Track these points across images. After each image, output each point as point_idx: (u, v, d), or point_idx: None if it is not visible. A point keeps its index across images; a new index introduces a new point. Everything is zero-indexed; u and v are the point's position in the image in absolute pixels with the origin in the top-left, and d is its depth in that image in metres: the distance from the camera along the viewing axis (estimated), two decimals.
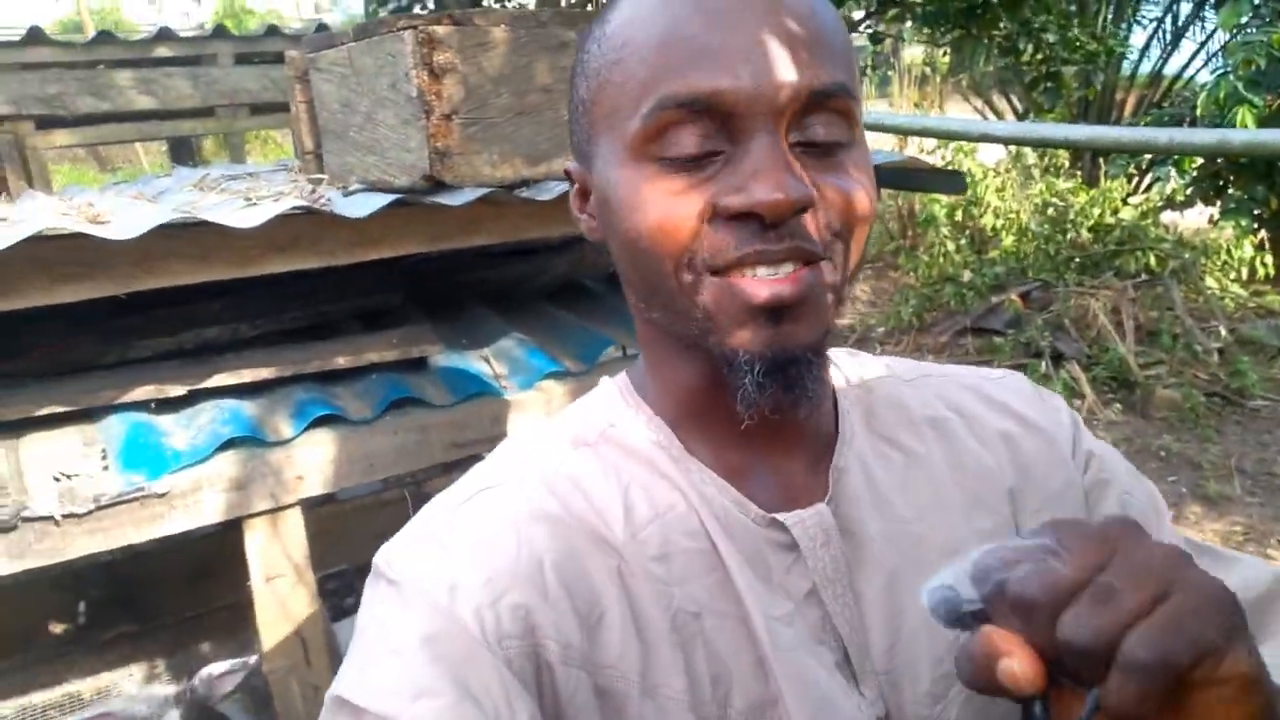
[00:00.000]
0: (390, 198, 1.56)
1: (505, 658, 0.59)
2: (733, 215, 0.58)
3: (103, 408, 1.80)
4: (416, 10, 5.31)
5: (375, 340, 1.99)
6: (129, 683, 2.92)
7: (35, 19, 5.20)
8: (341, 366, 1.89)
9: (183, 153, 6.23)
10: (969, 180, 7.52)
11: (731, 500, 0.68)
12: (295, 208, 1.51)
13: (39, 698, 2.86)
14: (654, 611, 0.64)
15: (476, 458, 1.97)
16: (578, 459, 0.70)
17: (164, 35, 5.05)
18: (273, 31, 5.47)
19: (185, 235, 1.47)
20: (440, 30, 1.59)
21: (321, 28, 5.37)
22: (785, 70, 0.58)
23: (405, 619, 0.60)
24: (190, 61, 5.07)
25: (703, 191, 0.59)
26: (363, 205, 1.54)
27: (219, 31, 5.19)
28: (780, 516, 0.67)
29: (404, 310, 2.35)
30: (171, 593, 3.00)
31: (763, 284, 0.59)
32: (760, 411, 0.62)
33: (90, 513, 1.60)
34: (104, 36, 4.98)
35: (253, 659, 1.96)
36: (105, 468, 1.69)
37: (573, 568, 0.63)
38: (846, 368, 0.79)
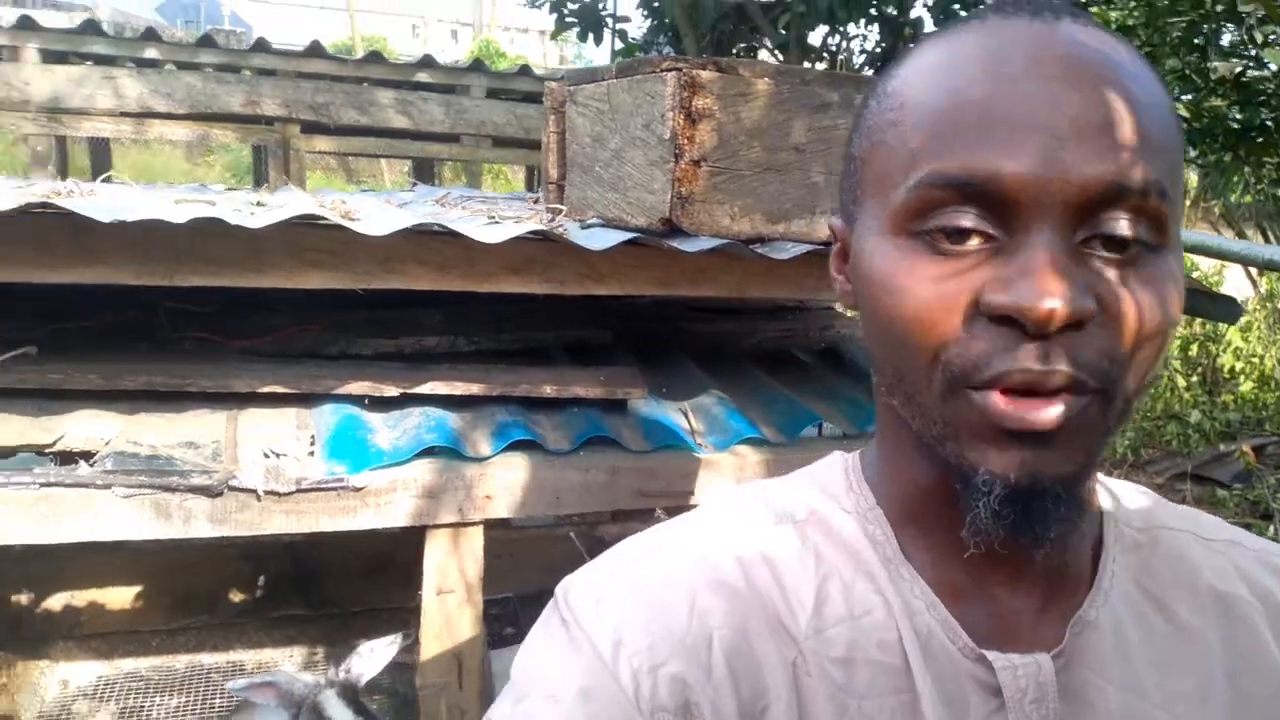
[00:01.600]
0: (626, 235, 1.55)
1: None
2: (995, 316, 0.50)
3: (320, 395, 1.86)
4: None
5: (582, 375, 1.98)
6: (289, 662, 3.02)
7: (316, 35, 5.66)
8: (547, 395, 1.89)
9: (424, 174, 6.61)
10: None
11: (940, 620, 0.60)
12: (534, 232, 1.52)
13: (208, 659, 3.01)
14: (825, 716, 0.58)
15: (653, 511, 1.92)
16: (778, 535, 0.63)
17: (426, 63, 5.38)
18: (524, 71, 5.74)
19: (429, 242, 1.50)
20: (704, 75, 1.58)
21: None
22: (1084, 157, 0.50)
23: (568, 664, 0.58)
24: (446, 90, 5.38)
25: (968, 282, 0.52)
26: (599, 239, 1.53)
27: (475, 65, 5.49)
28: (991, 655, 0.58)
29: (611, 349, 2.35)
30: (344, 585, 3.10)
31: (1022, 406, 0.51)
32: (988, 542, 0.55)
33: (290, 494, 1.65)
34: (373, 57, 5.36)
35: (401, 638, 1.95)
36: (311, 453, 1.75)
37: (745, 649, 0.58)
38: (1130, 504, 0.67)
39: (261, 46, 5.09)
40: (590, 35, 7.12)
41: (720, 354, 2.42)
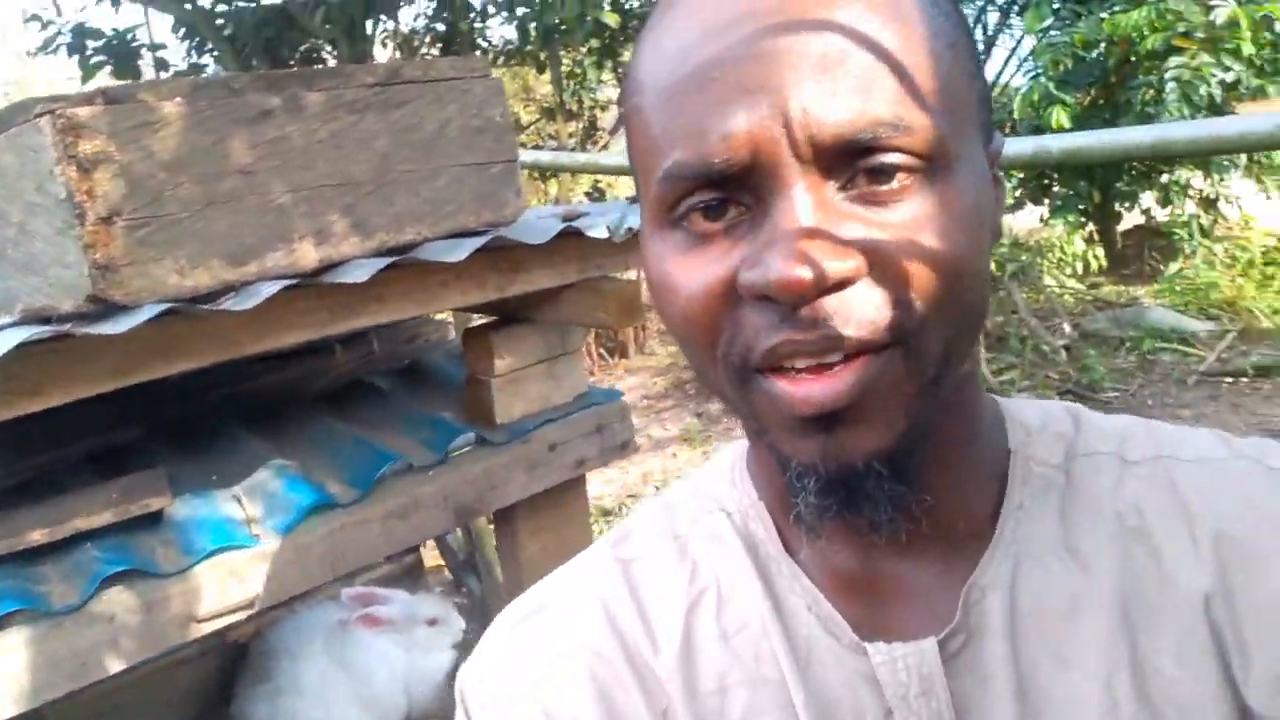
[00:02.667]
0: (35, 331, 1.20)
1: None
2: (754, 295, 0.47)
3: None
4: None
5: (86, 499, 1.60)
6: None
7: None
8: (38, 542, 1.50)
9: None
10: None
11: (823, 618, 0.58)
12: None
13: None
14: None
15: (216, 636, 1.59)
16: (654, 559, 0.64)
17: None
18: None
19: None
20: (84, 113, 1.25)
21: None
22: (813, 108, 0.46)
23: None
24: None
25: (725, 265, 0.49)
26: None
27: None
28: (871, 648, 0.56)
29: (145, 445, 1.96)
30: None
31: (806, 386, 0.47)
32: (823, 532, 0.54)
33: None
34: None
35: None
36: None
37: (611, 712, 0.60)
38: (1048, 436, 0.61)
39: None
40: (127, 72, 6.35)
41: (284, 407, 2.10)
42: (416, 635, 2.62)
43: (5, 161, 1.37)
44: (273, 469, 1.75)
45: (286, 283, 1.34)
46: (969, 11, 8.60)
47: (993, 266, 6.62)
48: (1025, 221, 8.39)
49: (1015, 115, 6.79)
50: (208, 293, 1.34)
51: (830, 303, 0.47)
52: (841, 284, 0.47)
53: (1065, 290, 7.32)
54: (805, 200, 0.47)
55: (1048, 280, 7.17)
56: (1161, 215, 8.06)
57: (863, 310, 0.47)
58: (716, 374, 0.52)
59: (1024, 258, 6.98)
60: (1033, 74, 6.98)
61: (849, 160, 0.47)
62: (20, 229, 1.39)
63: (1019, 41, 8.67)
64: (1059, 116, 6.23)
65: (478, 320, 2.02)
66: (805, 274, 0.45)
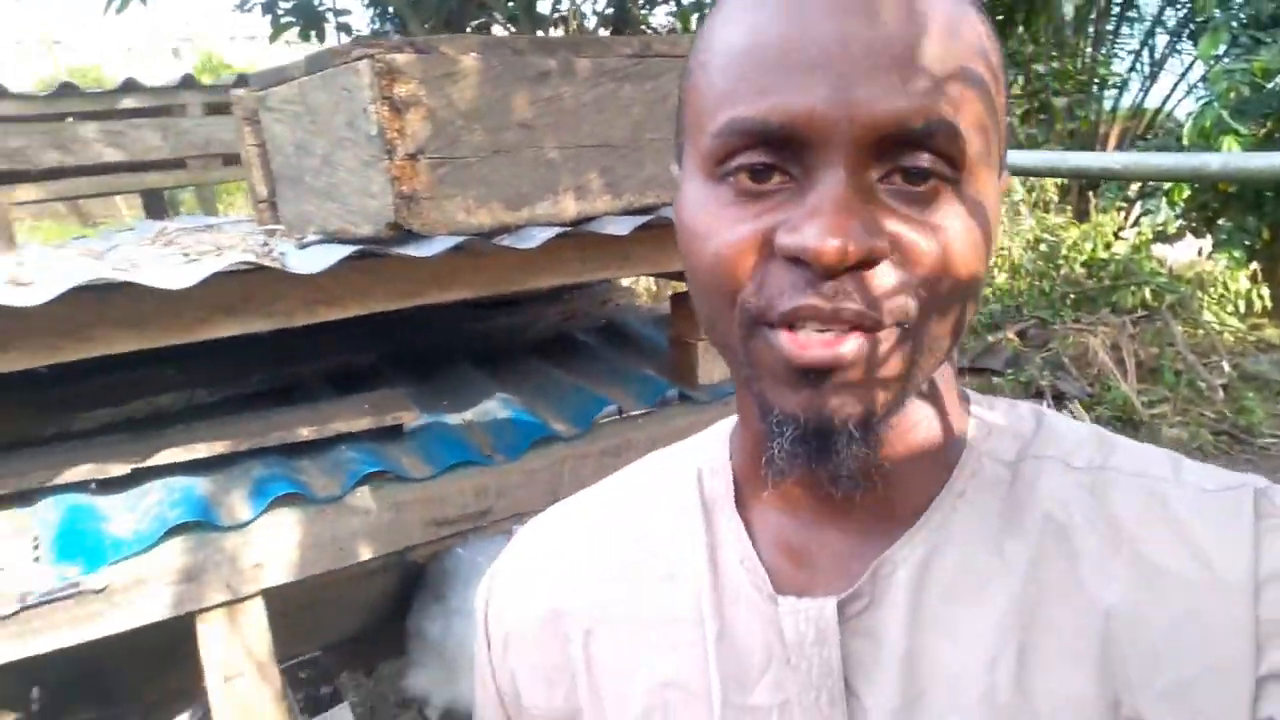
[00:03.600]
0: (350, 249, 1.38)
1: (519, 707, 0.72)
2: (787, 257, 0.50)
3: (36, 490, 1.60)
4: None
5: (343, 407, 1.79)
6: None
7: (9, 77, 5.03)
8: (305, 438, 1.70)
9: (156, 206, 6.05)
10: None
11: (750, 570, 0.63)
12: (238, 264, 1.32)
13: None
14: (614, 680, 0.67)
15: (457, 536, 1.77)
16: (627, 504, 0.72)
17: (130, 86, 4.87)
18: (243, 81, 5.32)
19: (116, 299, 1.28)
20: (401, 59, 1.42)
21: None
22: (872, 95, 0.49)
23: (477, 657, 0.76)
24: (160, 112, 4.90)
25: (764, 223, 0.52)
26: (318, 259, 1.35)
27: (187, 81, 5.02)
28: (782, 601, 0.60)
29: (381, 371, 2.16)
30: (135, 677, 2.78)
31: (806, 344, 0.51)
32: (799, 483, 0.60)
33: (15, 614, 1.40)
34: (67, 89, 4.81)
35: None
36: (36, 559, 1.49)
37: (552, 630, 0.69)
38: (1008, 434, 0.63)
39: None
40: (313, 33, 6.71)
41: (501, 350, 2.28)
42: None
43: (317, 99, 1.56)
44: (499, 401, 1.92)
45: (559, 229, 1.49)
46: (1134, 34, 8.34)
47: (1148, 296, 6.42)
48: (1185, 253, 8.10)
49: (1184, 142, 6.58)
50: (488, 232, 1.50)
51: (852, 279, 0.50)
52: (867, 263, 0.50)
53: (1225, 328, 7.05)
54: (850, 180, 0.50)
55: (1207, 316, 6.92)
56: None
57: (878, 292, 0.51)
58: (727, 320, 0.55)
59: (1183, 289, 6.76)
60: (1205, 100, 6.74)
61: (894, 153, 0.50)
62: (324, 160, 1.57)
63: (1189, 67, 8.37)
64: (1230, 147, 6.01)
65: (684, 287, 2.15)
66: (841, 244, 0.48)
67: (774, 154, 0.52)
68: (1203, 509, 0.58)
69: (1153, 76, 8.47)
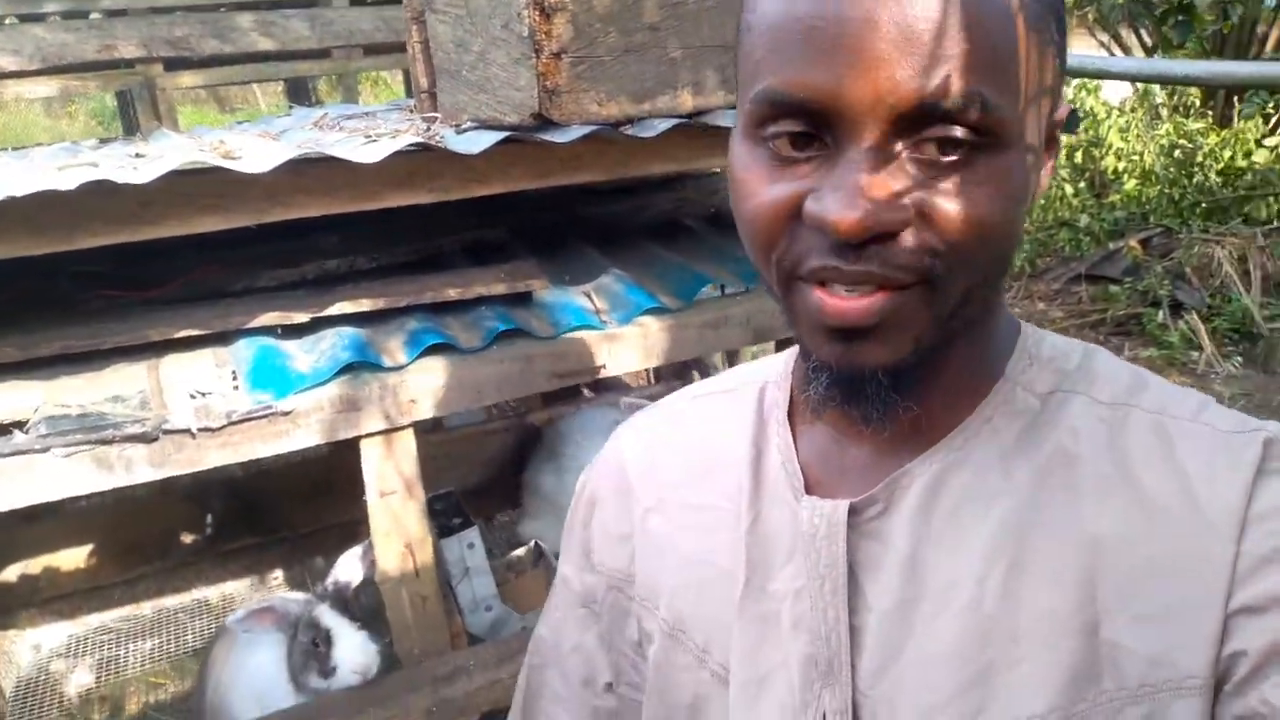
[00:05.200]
0: (501, 135, 1.62)
1: (589, 563, 0.85)
2: (812, 224, 0.55)
3: (233, 332, 1.93)
4: None
5: (484, 274, 2.07)
6: (249, 591, 3.15)
7: None
8: (452, 298, 1.98)
9: (299, 93, 6.43)
10: (1088, 119, 7.23)
11: (789, 472, 0.70)
12: (411, 145, 1.58)
13: (171, 601, 3.11)
14: (662, 547, 0.78)
15: (575, 387, 2.04)
16: (701, 404, 0.83)
17: None
18: None
19: (311, 170, 1.56)
20: None
21: None
22: (898, 71, 0.51)
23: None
24: (308, 3, 5.21)
25: (795, 189, 0.56)
26: (475, 142, 1.60)
27: None
28: (805, 499, 0.67)
29: (510, 246, 2.43)
30: (289, 510, 3.20)
31: (838, 303, 0.55)
32: (824, 413, 0.68)
33: (223, 428, 1.73)
34: None
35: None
36: (235, 387, 1.82)
37: (624, 503, 0.82)
38: (1047, 369, 0.66)
39: None
40: None
41: (616, 233, 2.52)
42: None
43: (477, 3, 1.78)
44: (613, 276, 2.16)
45: (675, 120, 1.71)
46: None
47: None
48: None
49: None
50: (615, 122, 1.72)
51: (874, 245, 0.53)
52: (888, 233, 0.53)
53: None
54: (873, 154, 0.53)
55: None
56: None
57: (901, 256, 0.54)
58: (768, 272, 0.60)
59: None
60: None
61: (919, 127, 0.52)
62: (480, 56, 1.81)
63: None
64: None
65: None
66: (857, 219, 0.52)
67: (809, 123, 0.54)
68: (1206, 448, 0.60)
69: None
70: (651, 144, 1.72)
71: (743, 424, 0.76)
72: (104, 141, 2.93)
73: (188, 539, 3.18)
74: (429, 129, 1.77)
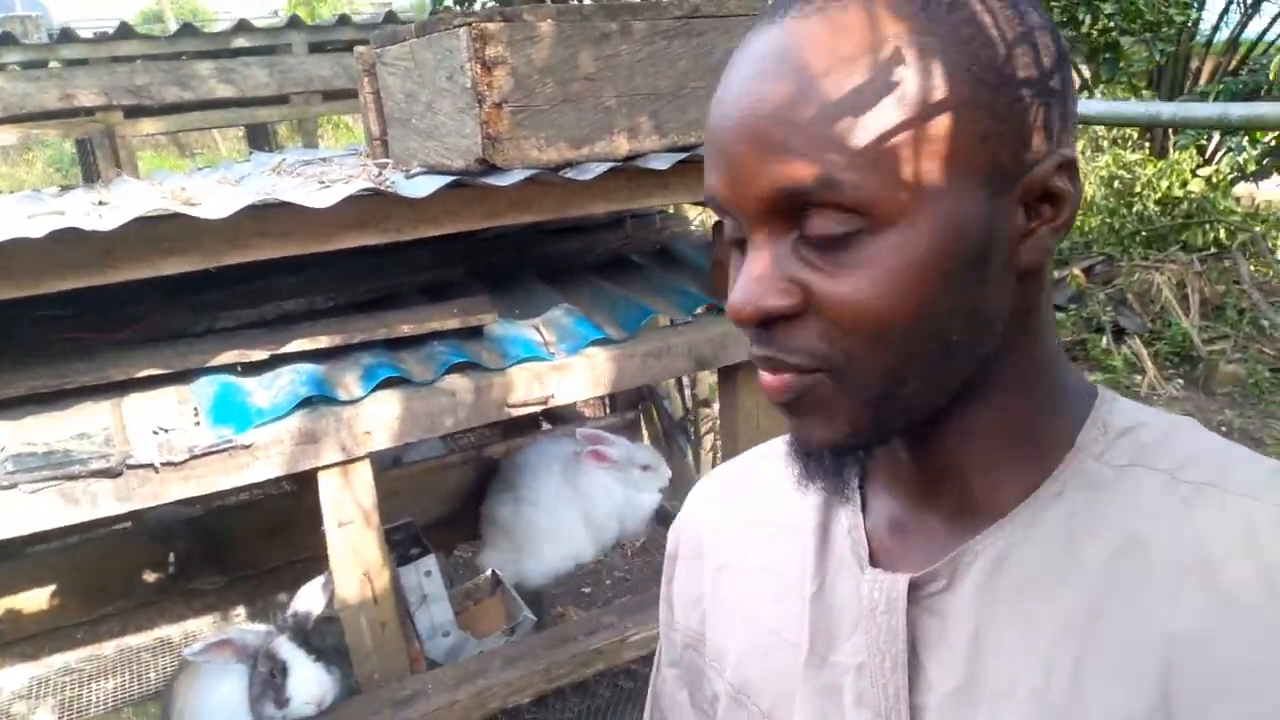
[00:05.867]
0: (447, 179, 1.73)
1: (673, 621, 0.86)
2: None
3: (194, 370, 2.01)
4: (476, 6, 5.50)
5: (437, 310, 2.17)
6: (212, 628, 3.18)
7: (120, 13, 5.49)
8: (406, 334, 2.08)
9: (259, 138, 6.53)
10: None
11: (854, 540, 0.68)
12: (363, 190, 1.69)
13: (135, 641, 3.14)
14: (730, 609, 0.77)
15: (533, 419, 2.14)
16: (768, 465, 0.80)
17: (242, 27, 5.32)
18: (344, 21, 5.71)
19: (268, 215, 1.65)
20: (491, 26, 1.75)
21: (390, 16, 5.59)
22: (757, 167, 0.53)
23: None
24: (266, 51, 5.33)
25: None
26: (423, 186, 1.71)
27: (293, 22, 5.44)
28: (869, 571, 0.65)
29: (464, 284, 2.54)
30: (251, 548, 3.25)
31: (763, 379, 0.59)
32: (905, 476, 0.66)
33: (185, 461, 1.81)
34: (187, 29, 5.27)
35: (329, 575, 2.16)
36: (197, 423, 1.90)
37: (698, 563, 0.82)
38: (1128, 440, 0.61)
39: (68, 36, 4.95)
40: None
41: (566, 270, 2.64)
42: (633, 475, 3.11)
43: (424, 57, 1.90)
44: (562, 310, 2.27)
45: (611, 164, 1.82)
46: None
47: (1221, 235, 6.40)
48: (1268, 192, 8.01)
49: (1271, 77, 6.53)
50: (555, 166, 1.84)
51: (778, 329, 0.56)
52: (787, 317, 0.55)
53: None
54: (760, 245, 0.55)
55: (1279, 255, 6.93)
56: None
57: (795, 341, 0.55)
58: None
59: (1257, 229, 6.76)
60: None
61: (790, 216, 0.54)
62: (427, 106, 1.92)
63: None
64: None
65: None
66: (747, 309, 0.55)
67: (731, 224, 0.58)
68: None
69: (1254, 8, 8.30)
70: (590, 186, 1.84)
71: (808, 494, 0.73)
72: (65, 189, 3.00)
73: (151, 578, 3.21)
74: (380, 174, 1.88)
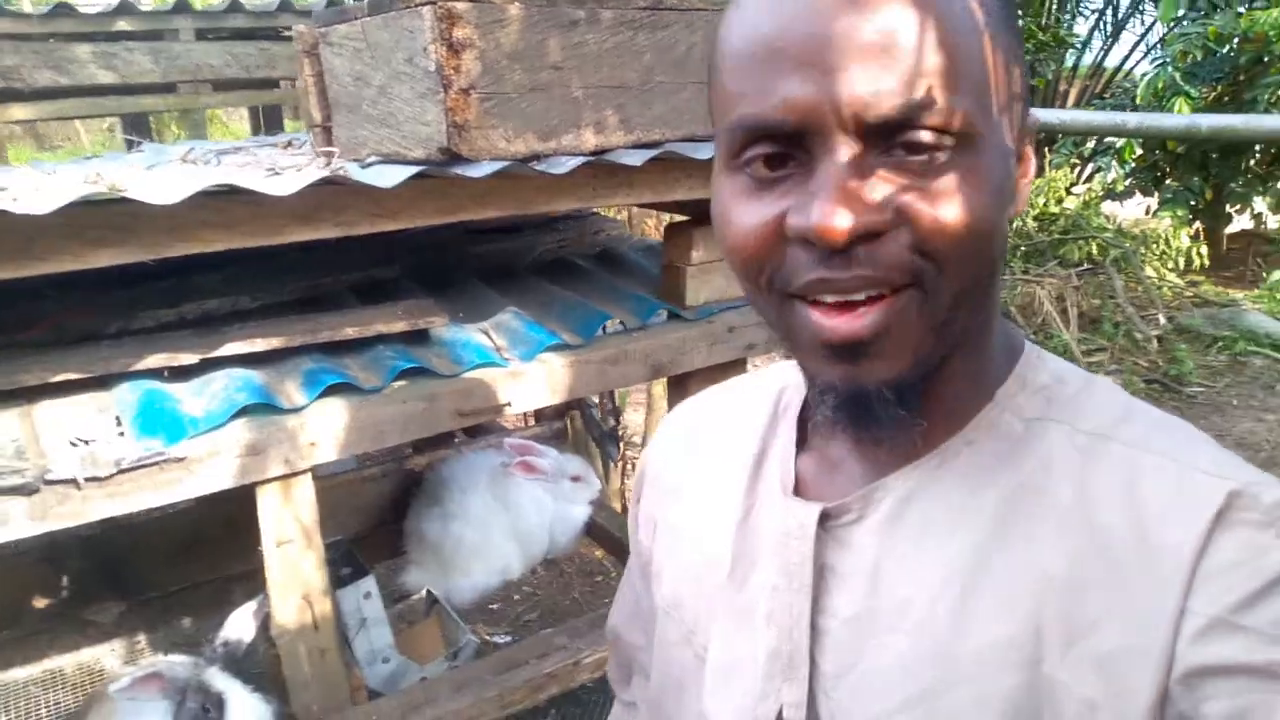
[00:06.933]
0: (414, 169, 1.60)
1: (637, 538, 0.91)
2: (796, 238, 0.56)
3: (114, 376, 1.82)
4: None
5: (382, 312, 2.03)
6: (111, 658, 2.92)
7: None
8: (350, 337, 1.93)
9: (139, 129, 6.13)
10: None
11: (784, 471, 0.73)
12: (320, 179, 1.55)
13: (21, 674, 2.86)
14: (672, 523, 0.84)
15: (480, 425, 2.01)
16: (730, 398, 0.86)
17: (124, 9, 4.96)
18: (234, 8, 5.41)
19: (212, 203, 1.49)
20: (459, 6, 1.63)
21: (284, 5, 5.32)
22: (857, 83, 0.53)
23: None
24: (152, 36, 5.00)
25: (776, 208, 0.57)
26: (386, 177, 1.58)
27: (180, 6, 5.11)
28: (788, 501, 0.71)
29: (399, 284, 2.39)
30: (156, 568, 3.00)
31: (834, 319, 0.56)
32: (834, 435, 0.70)
33: (111, 476, 1.63)
34: (62, 9, 4.88)
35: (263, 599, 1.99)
36: (121, 434, 1.72)
37: (654, 489, 0.89)
38: (1037, 395, 0.66)
39: None
40: None
41: (504, 272, 2.52)
42: (562, 487, 3.03)
43: (379, 38, 1.77)
44: (511, 314, 2.16)
45: (584, 158, 1.73)
46: None
47: (1094, 250, 6.71)
48: (1133, 211, 8.46)
49: (1138, 102, 6.89)
50: (523, 158, 1.73)
51: (862, 249, 0.54)
52: (872, 235, 0.54)
53: (1164, 283, 7.43)
54: (847, 163, 0.54)
55: (1149, 271, 7.30)
56: (1273, 223, 8.08)
57: (890, 256, 0.55)
58: (761, 298, 0.61)
59: (1127, 245, 7.10)
60: (1159, 62, 7.06)
61: (889, 133, 0.54)
62: (381, 90, 1.79)
63: (1149, 28, 8.69)
64: (1181, 108, 6.32)
65: (678, 218, 2.39)
66: (841, 223, 0.53)
67: (782, 144, 0.56)
68: (1170, 488, 0.57)
69: (1115, 35, 8.79)
70: (558, 181, 1.74)
71: (757, 419, 0.79)
72: None
73: (41, 604, 2.93)
74: (329, 163, 1.73)
